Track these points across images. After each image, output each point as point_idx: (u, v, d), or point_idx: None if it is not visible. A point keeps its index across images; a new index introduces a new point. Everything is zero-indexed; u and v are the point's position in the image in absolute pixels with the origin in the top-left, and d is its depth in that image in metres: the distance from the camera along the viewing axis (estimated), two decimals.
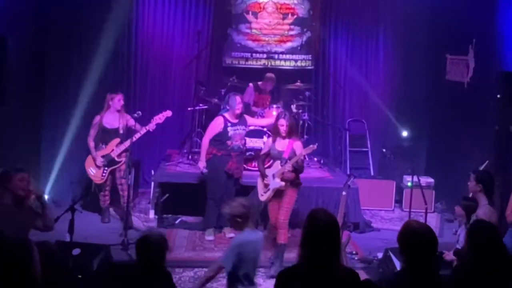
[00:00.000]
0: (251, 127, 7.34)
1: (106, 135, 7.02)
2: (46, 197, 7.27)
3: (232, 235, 6.84)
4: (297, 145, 6.03)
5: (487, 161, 6.50)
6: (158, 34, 9.25)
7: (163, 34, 9.29)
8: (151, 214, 7.40)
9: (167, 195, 7.27)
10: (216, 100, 8.54)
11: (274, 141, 6.14)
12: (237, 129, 6.81)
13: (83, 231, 5.94)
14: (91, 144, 7.03)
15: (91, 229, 6.72)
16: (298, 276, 2.92)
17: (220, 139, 6.74)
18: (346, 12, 9.43)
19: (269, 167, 6.30)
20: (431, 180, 8.39)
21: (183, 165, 8.20)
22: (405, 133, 9.19)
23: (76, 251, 5.04)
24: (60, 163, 7.91)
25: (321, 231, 2.93)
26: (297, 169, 5.95)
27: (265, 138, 7.92)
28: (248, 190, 7.27)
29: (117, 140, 7.03)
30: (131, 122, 7.05)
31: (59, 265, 3.44)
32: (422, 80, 9.22)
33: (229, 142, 6.75)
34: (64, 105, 8.32)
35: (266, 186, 6.12)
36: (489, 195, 4.82)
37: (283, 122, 6.02)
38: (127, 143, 6.93)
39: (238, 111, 6.78)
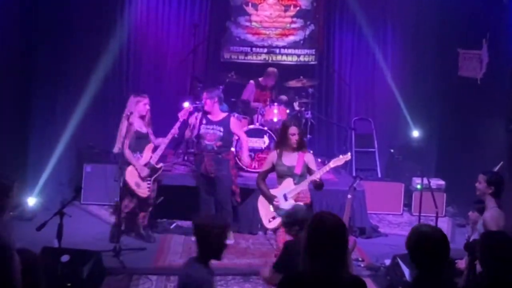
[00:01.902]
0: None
1: (140, 141, 6.62)
2: (34, 200, 7.33)
3: (230, 242, 6.84)
4: (309, 158, 5.45)
5: (501, 162, 6.50)
6: (152, 27, 9.26)
7: (157, 27, 9.30)
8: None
9: (161, 198, 7.26)
10: None
11: (280, 155, 5.46)
12: (210, 129, 6.77)
13: (73, 236, 5.94)
14: (131, 154, 6.55)
15: (81, 235, 6.71)
16: (303, 283, 2.92)
17: (196, 137, 6.88)
18: (352, 3, 9.41)
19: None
20: (442, 182, 8.39)
21: (178, 167, 8.20)
22: (416, 133, 9.18)
23: (65, 258, 5.05)
24: (48, 164, 7.90)
25: (326, 235, 2.92)
26: (318, 187, 5.38)
27: (265, 138, 7.94)
28: (248, 193, 7.29)
29: (151, 145, 6.71)
30: (150, 130, 6.82)
31: (42, 273, 3.44)
32: (433, 76, 9.21)
33: (201, 141, 6.82)
34: (52, 105, 8.33)
35: (275, 209, 5.44)
36: (498, 197, 4.84)
37: (295, 130, 5.38)
38: (162, 147, 6.69)
39: (206, 107, 6.78)
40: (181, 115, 6.84)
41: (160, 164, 6.83)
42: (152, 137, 6.83)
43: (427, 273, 3.01)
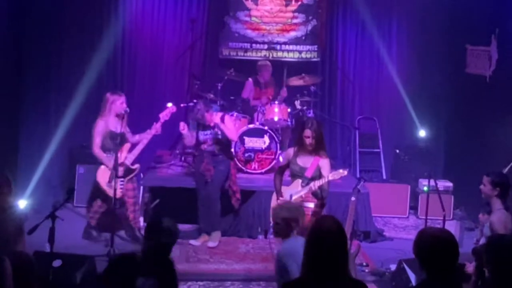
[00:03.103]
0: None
1: (115, 141, 6.68)
2: (25, 202, 7.34)
3: (214, 244, 6.86)
4: (324, 163, 5.55)
5: (511, 163, 6.50)
6: (148, 22, 9.25)
7: (153, 22, 9.29)
8: (140, 221, 7.40)
9: (157, 200, 7.27)
10: (212, 96, 8.53)
11: (296, 154, 5.64)
12: (208, 134, 6.89)
13: (65, 240, 5.94)
14: (103, 154, 6.66)
15: (73, 239, 6.72)
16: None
17: (197, 143, 6.95)
18: None
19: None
20: (449, 184, 8.39)
21: (175, 168, 8.20)
22: (422, 133, 9.18)
23: (57, 263, 5.04)
24: (40, 165, 7.90)
25: (324, 241, 2.96)
26: (316, 196, 5.49)
27: (266, 138, 7.95)
28: (248, 195, 7.29)
29: (128, 145, 6.80)
30: (127, 128, 6.90)
31: (36, 278, 3.45)
32: (440, 74, 9.22)
33: (202, 147, 6.92)
34: (44, 104, 8.33)
35: None
36: (504, 198, 4.84)
37: (308, 133, 5.52)
38: (139, 147, 6.78)
39: (202, 121, 6.83)
40: (163, 116, 6.90)
41: (136, 165, 6.87)
42: (129, 135, 6.89)
43: (435, 278, 3.01)
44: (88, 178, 7.92)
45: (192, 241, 6.92)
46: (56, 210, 4.86)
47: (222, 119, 6.86)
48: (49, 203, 7.42)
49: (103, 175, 6.71)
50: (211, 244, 6.83)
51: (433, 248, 3.02)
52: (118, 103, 6.71)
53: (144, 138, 6.80)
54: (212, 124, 6.85)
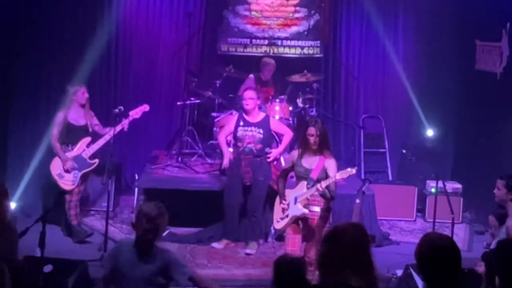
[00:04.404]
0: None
1: (73, 133, 6.94)
2: (14, 205, 7.35)
3: (251, 251, 6.87)
4: (330, 163, 5.52)
5: None
6: (143, 17, 9.24)
7: (148, 17, 9.28)
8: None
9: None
10: (209, 93, 8.54)
11: (301, 155, 5.62)
12: (249, 130, 6.76)
13: (56, 245, 5.94)
14: (57, 145, 6.92)
15: (65, 243, 6.71)
16: None
17: (234, 139, 6.90)
18: None
19: None
20: (458, 185, 8.39)
21: (171, 169, 8.20)
22: (430, 132, 9.18)
23: (48, 268, 5.04)
24: (30, 167, 7.90)
25: (343, 247, 2.97)
26: (324, 196, 5.46)
27: None
28: None
29: (88, 139, 7.00)
30: (95, 121, 7.09)
31: (27, 284, 3.46)
32: (448, 70, 9.21)
33: (239, 144, 6.79)
34: (34, 103, 8.32)
35: (284, 211, 5.66)
36: None
37: (312, 131, 5.52)
38: (100, 142, 6.93)
39: (246, 107, 6.80)
40: (133, 114, 7.07)
41: (95, 160, 7.02)
42: (98, 127, 7.08)
43: (436, 285, 3.00)
44: None
45: (214, 244, 6.96)
46: (47, 213, 4.85)
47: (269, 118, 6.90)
48: (39, 206, 7.44)
49: (55, 166, 6.93)
50: (250, 251, 6.87)
51: (432, 256, 3.01)
52: (79, 93, 6.96)
53: (107, 134, 6.94)
54: (254, 122, 6.80)
